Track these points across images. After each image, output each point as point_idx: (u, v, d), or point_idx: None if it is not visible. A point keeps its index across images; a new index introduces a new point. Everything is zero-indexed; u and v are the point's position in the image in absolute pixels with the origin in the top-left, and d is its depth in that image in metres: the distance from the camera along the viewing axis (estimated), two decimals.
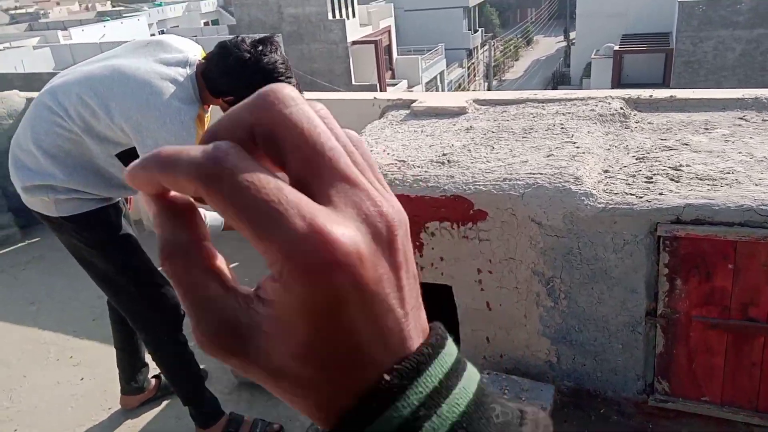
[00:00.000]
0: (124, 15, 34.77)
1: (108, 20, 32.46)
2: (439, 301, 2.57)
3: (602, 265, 2.09)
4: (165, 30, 34.81)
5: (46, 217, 1.96)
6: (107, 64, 1.84)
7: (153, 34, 33.03)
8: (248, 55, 1.79)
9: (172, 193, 0.28)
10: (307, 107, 0.27)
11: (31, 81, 18.25)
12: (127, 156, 1.86)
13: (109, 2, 51.70)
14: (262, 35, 1.91)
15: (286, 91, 0.27)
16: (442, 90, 32.95)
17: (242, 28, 26.96)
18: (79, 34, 28.80)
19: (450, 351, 0.28)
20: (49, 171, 1.84)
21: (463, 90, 35.72)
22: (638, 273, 2.05)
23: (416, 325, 0.27)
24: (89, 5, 51.01)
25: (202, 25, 37.42)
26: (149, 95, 1.74)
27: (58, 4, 52.84)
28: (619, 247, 2.04)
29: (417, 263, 2.36)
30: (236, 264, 3.73)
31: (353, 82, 26.71)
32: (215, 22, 39.19)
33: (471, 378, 0.27)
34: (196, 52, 1.92)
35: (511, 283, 2.28)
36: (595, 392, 2.30)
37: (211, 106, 1.94)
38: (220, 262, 0.28)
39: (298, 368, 0.25)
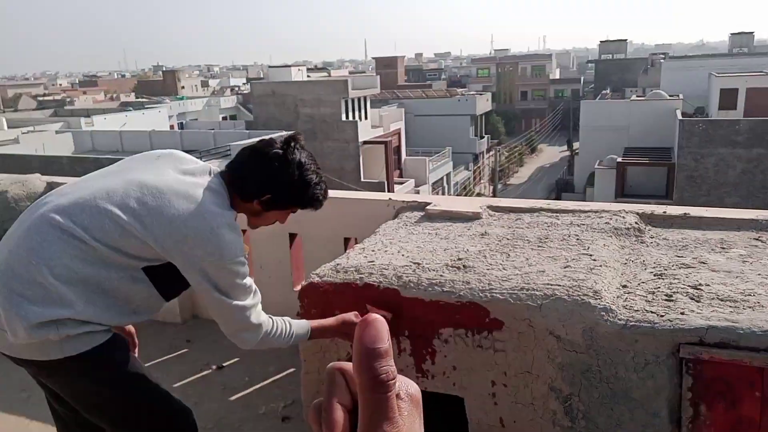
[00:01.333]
0: (146, 106, 36.35)
1: (130, 110, 33.91)
2: (449, 413, 2.46)
3: (623, 385, 2.01)
4: (184, 123, 36.27)
5: (34, 363, 1.66)
6: (127, 178, 1.71)
7: (172, 126, 34.37)
8: (282, 152, 1.81)
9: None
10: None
11: (49, 163, 18.81)
12: (156, 271, 1.74)
13: (133, 94, 54.29)
14: (285, 132, 1.97)
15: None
16: (448, 190, 33.67)
17: (259, 125, 28.08)
18: (101, 122, 29.97)
19: None
20: (66, 301, 1.58)
21: (468, 191, 36.46)
22: (660, 396, 1.96)
23: None
24: (114, 96, 53.56)
25: (221, 119, 39.01)
26: (189, 205, 1.66)
27: (84, 93, 55.53)
28: (640, 367, 1.97)
29: (428, 371, 2.28)
30: (237, 359, 3.63)
31: (362, 179, 27.39)
32: (233, 117, 40.89)
33: None
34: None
35: (527, 398, 2.18)
36: None
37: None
38: None
39: None
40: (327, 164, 27.65)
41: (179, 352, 3.65)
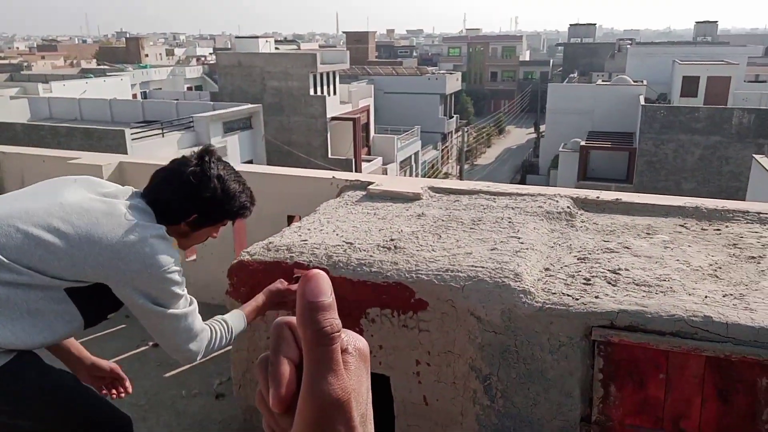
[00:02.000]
0: (108, 74, 35.20)
1: (91, 77, 32.78)
2: (375, 392, 2.49)
3: (538, 366, 2.06)
4: (147, 92, 35.28)
5: None
6: (47, 199, 1.64)
7: (135, 95, 33.42)
8: (199, 169, 1.75)
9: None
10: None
11: (2, 130, 18.10)
12: (80, 293, 1.65)
13: (94, 61, 52.49)
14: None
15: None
16: (416, 169, 33.71)
17: (224, 96, 27.51)
18: (59, 89, 28.91)
19: None
20: None
21: (436, 171, 36.61)
22: (573, 376, 2.02)
23: None
24: (74, 62, 51.67)
25: (185, 89, 38.07)
26: (116, 222, 1.61)
27: (43, 58, 53.42)
28: (554, 348, 2.02)
29: None
30: None
31: (329, 155, 27.18)
32: (199, 88, 39.95)
33: None
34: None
35: (449, 377, 2.22)
36: None
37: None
38: None
39: None
40: (294, 139, 27.34)
41: (117, 328, 3.59)
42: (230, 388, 3.02)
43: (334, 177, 3.51)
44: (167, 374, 3.15)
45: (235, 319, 2.00)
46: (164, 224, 1.73)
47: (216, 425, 2.78)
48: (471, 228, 2.63)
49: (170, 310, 1.70)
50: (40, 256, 1.56)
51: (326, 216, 2.93)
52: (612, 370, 1.96)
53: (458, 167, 36.17)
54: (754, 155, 12.39)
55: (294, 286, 2.15)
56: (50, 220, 1.59)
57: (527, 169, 34.75)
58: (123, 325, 3.64)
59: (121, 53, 56.11)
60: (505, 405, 2.14)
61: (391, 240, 2.52)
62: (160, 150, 17.79)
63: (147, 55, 54.62)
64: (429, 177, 30.77)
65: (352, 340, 0.51)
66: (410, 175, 31.95)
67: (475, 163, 42.44)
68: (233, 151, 21.10)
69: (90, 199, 1.66)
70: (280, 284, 2.17)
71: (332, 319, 0.48)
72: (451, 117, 39.73)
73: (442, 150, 38.98)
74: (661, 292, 2.02)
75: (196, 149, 1.84)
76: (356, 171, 24.87)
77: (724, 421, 1.85)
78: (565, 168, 25.72)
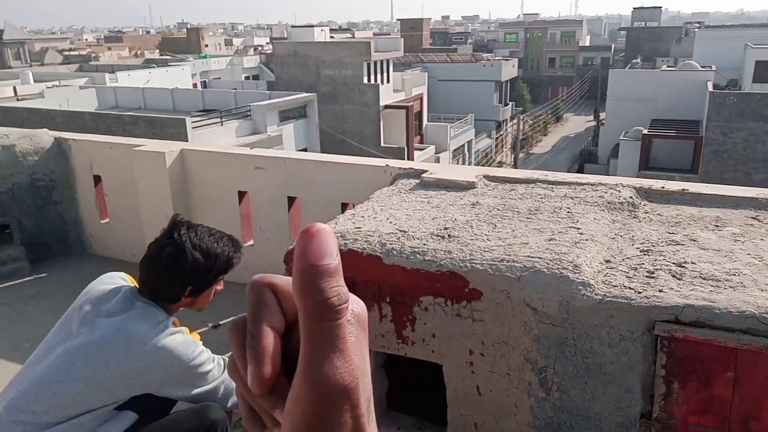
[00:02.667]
0: (170, 63, 36.35)
1: (154, 67, 33.93)
2: (429, 379, 2.48)
3: (597, 360, 2.00)
4: (207, 81, 36.22)
5: None
6: (57, 352, 1.77)
7: (195, 84, 34.37)
8: (173, 248, 1.83)
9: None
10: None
11: (72, 119, 19.01)
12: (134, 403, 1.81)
13: (157, 51, 54.28)
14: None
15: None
16: (470, 158, 33.34)
17: (280, 86, 27.94)
18: (125, 78, 30.08)
19: None
20: None
21: (490, 159, 36.08)
22: (634, 372, 1.95)
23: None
24: (138, 52, 53.60)
25: (243, 78, 38.88)
26: (127, 342, 1.74)
27: (109, 49, 55.65)
28: (615, 343, 1.95)
29: (408, 337, 2.30)
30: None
31: (382, 144, 27.22)
32: (256, 77, 40.72)
33: None
34: (123, 280, 1.94)
35: (503, 368, 2.19)
36: None
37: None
38: None
39: None
40: (347, 127, 27.53)
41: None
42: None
43: (387, 165, 3.51)
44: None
45: None
46: (169, 304, 1.87)
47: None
48: (527, 218, 2.58)
49: (208, 387, 1.87)
50: (78, 400, 1.72)
51: (380, 204, 2.93)
52: (675, 367, 1.88)
53: (513, 156, 35.54)
54: None
55: None
56: (72, 369, 1.73)
57: (586, 158, 33.77)
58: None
59: (182, 43, 57.80)
60: (561, 398, 2.10)
61: (445, 228, 2.49)
62: (219, 138, 18.29)
63: (207, 45, 56.07)
64: (482, 166, 30.41)
65: (351, 306, 0.40)
66: (463, 163, 31.64)
67: (530, 151, 41.58)
68: (288, 139, 21.44)
69: (93, 332, 1.76)
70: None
71: (339, 287, 0.38)
72: (506, 104, 39.01)
73: (497, 138, 38.36)
74: (731, 287, 1.92)
75: (172, 222, 1.90)
76: (408, 159, 24.82)
77: None
78: (625, 157, 24.84)
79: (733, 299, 1.82)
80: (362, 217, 2.73)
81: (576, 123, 52.19)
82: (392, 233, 2.47)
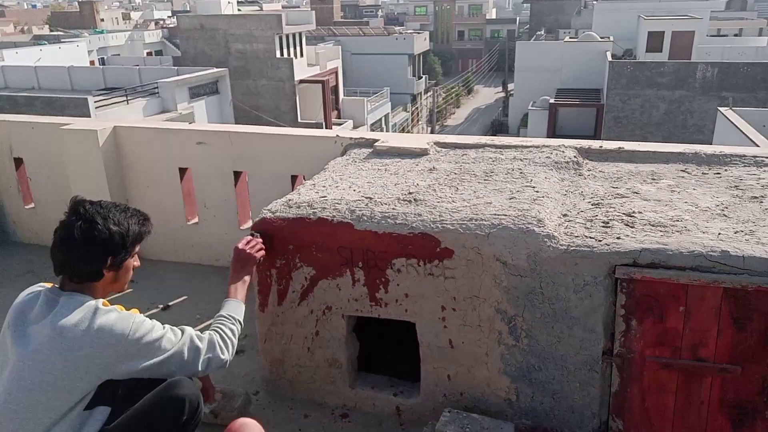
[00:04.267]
0: (62, 40, 33.73)
1: (45, 44, 31.38)
2: (401, 338, 2.58)
3: (563, 305, 2.17)
4: (106, 58, 34.01)
5: None
6: (2, 378, 1.73)
7: (93, 62, 32.18)
8: (81, 222, 1.77)
9: None
10: None
11: None
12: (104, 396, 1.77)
13: (46, 27, 50.13)
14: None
15: None
16: (387, 131, 33.57)
17: (187, 61, 26.71)
18: (12, 57, 27.64)
19: None
20: None
21: (407, 133, 36.51)
22: (596, 313, 2.14)
23: None
24: (25, 28, 49.25)
25: (145, 54, 36.81)
26: (61, 338, 1.70)
27: None
28: (579, 288, 2.13)
29: (381, 299, 2.37)
30: (185, 297, 3.63)
31: (299, 120, 26.82)
32: (159, 53, 38.70)
33: None
34: (41, 286, 1.87)
35: (475, 321, 2.32)
36: (553, 430, 2.35)
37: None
38: None
39: None
40: (262, 103, 26.85)
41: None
42: (249, 344, 3.08)
43: (338, 135, 3.53)
44: None
45: (232, 307, 2.15)
46: (94, 284, 1.81)
47: (240, 379, 2.85)
48: (485, 180, 2.70)
49: (167, 354, 1.81)
50: (38, 410, 1.68)
51: (337, 173, 2.96)
52: (634, 306, 2.08)
53: (429, 129, 36.15)
54: (719, 108, 12.72)
55: (253, 241, 2.35)
56: (16, 389, 1.69)
57: (497, 128, 34.95)
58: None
59: (74, 18, 53.64)
60: (530, 344, 2.26)
61: (410, 193, 2.58)
62: (126, 117, 17.31)
63: (102, 20, 52.40)
64: None
65: None
66: None
67: (444, 124, 42.45)
68: (201, 116, 20.66)
69: (29, 344, 1.71)
70: (243, 245, 2.32)
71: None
72: (420, 78, 39.46)
73: (412, 111, 38.82)
74: (677, 231, 2.14)
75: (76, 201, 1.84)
76: None
77: (739, 347, 2.00)
78: (534, 126, 25.96)
79: (682, 241, 2.03)
80: (323, 186, 2.75)
81: (486, 94, 53.74)
82: (359, 200, 2.52)
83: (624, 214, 2.31)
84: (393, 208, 2.41)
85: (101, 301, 1.79)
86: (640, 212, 2.32)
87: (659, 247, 2.01)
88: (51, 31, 44.76)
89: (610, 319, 2.14)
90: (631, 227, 2.19)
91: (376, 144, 3.29)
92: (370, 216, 2.38)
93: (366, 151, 3.30)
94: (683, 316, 2.03)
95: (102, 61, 33.05)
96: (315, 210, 2.46)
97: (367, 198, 2.54)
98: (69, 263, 1.79)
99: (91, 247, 1.77)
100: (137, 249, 1.93)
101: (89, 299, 1.78)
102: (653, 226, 2.19)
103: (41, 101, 17.98)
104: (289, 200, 2.59)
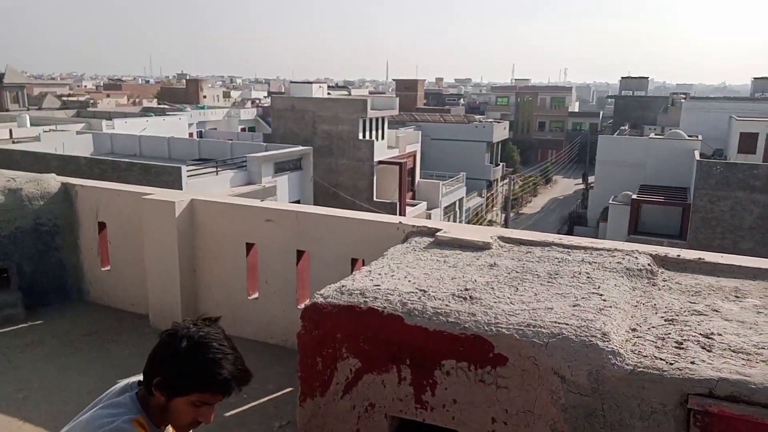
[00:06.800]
0: (167, 112, 36.81)
1: (151, 115, 34.33)
2: None
3: None
4: (203, 131, 36.62)
5: None
6: None
7: (191, 134, 34.72)
8: (174, 331, 1.57)
9: None
10: None
11: (67, 163, 19.01)
12: None
13: (155, 100, 55.03)
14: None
15: None
16: (460, 215, 33.57)
17: (276, 138, 28.28)
18: (122, 125, 30.35)
19: None
20: None
21: (480, 218, 36.35)
22: None
23: None
24: (136, 100, 54.30)
25: (239, 130, 39.37)
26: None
27: (108, 96, 56.34)
28: (646, 415, 1.91)
29: (428, 402, 2.23)
30: None
31: (375, 198, 27.40)
32: (252, 129, 41.24)
33: None
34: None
35: None
36: None
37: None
38: None
39: None
40: (341, 181, 27.75)
41: None
42: (290, 431, 2.97)
43: (400, 222, 3.51)
44: (227, 413, 3.13)
45: None
46: (152, 397, 1.59)
47: None
48: (548, 282, 2.56)
49: None
50: None
51: (395, 261, 2.91)
52: None
53: (503, 215, 35.84)
54: None
55: None
56: None
57: (575, 220, 34.12)
58: None
59: (180, 94, 58.74)
60: None
61: (466, 290, 2.47)
62: (214, 187, 18.33)
63: (205, 96, 56.99)
64: (473, 224, 30.60)
65: None
66: (454, 220, 31.81)
67: (520, 212, 41.98)
68: (282, 190, 21.53)
69: (74, 423, 1.63)
70: None
71: None
72: (497, 165, 39.66)
73: (487, 197, 38.78)
74: (762, 360, 1.90)
75: None
76: (400, 215, 24.91)
77: None
78: (615, 221, 25.12)
79: (767, 374, 1.79)
80: (379, 274, 2.70)
81: (565, 185, 53.04)
82: (412, 292, 2.44)
83: (701, 334, 2.09)
84: (446, 305, 2.31)
85: (133, 417, 1.57)
86: (720, 334, 2.10)
87: (740, 378, 1.78)
88: (159, 104, 49.08)
89: None
90: (709, 351, 1.97)
91: (437, 234, 3.23)
92: (422, 311, 2.28)
93: (427, 240, 3.24)
94: None
95: (200, 134, 35.56)
96: (366, 299, 2.40)
97: (421, 291, 2.46)
98: (145, 367, 1.61)
99: (155, 355, 1.58)
100: (202, 401, 1.57)
101: (128, 408, 1.59)
102: (734, 351, 1.96)
103: (139, 167, 19.38)
104: (342, 286, 2.55)
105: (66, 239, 4.59)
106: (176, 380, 1.54)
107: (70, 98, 49.12)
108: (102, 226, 4.54)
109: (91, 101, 47.26)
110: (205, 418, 1.59)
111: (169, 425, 1.67)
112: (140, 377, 1.65)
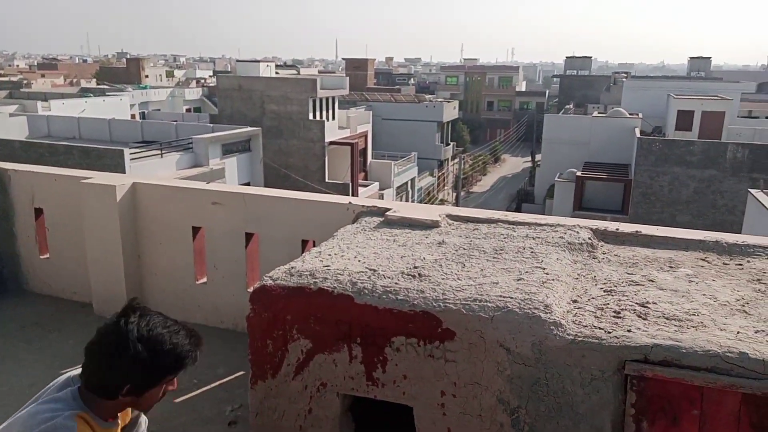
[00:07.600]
0: (107, 93, 35.33)
1: (90, 96, 32.87)
2: (398, 422, 2.44)
3: (569, 399, 2.03)
4: (146, 112, 35.40)
5: None
6: None
7: (134, 115, 33.51)
8: (115, 336, 1.55)
9: None
10: None
11: (1, 147, 18.05)
12: None
13: (94, 80, 52.71)
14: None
15: None
16: (412, 195, 33.80)
17: (223, 119, 27.62)
18: (59, 107, 28.96)
19: None
20: None
21: (432, 197, 36.71)
22: (605, 411, 1.99)
23: None
24: (74, 81, 51.87)
25: (184, 111, 38.23)
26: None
27: (42, 76, 53.60)
28: (586, 382, 1.99)
29: (379, 379, 2.26)
30: None
31: (327, 179, 27.24)
32: (198, 110, 40.12)
33: None
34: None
35: (475, 409, 2.19)
36: None
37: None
38: None
39: None
40: (292, 163, 27.41)
41: None
42: (242, 415, 2.96)
43: (350, 202, 3.51)
44: (178, 399, 3.09)
45: None
46: (106, 401, 1.60)
47: None
48: (494, 257, 2.62)
49: None
50: None
51: (345, 242, 2.92)
52: (644, 405, 1.93)
53: (454, 194, 36.31)
54: (749, 190, 12.51)
55: None
56: None
57: (523, 197, 34.89)
58: None
59: (121, 73, 56.41)
60: None
61: (415, 267, 2.50)
62: (159, 170, 17.80)
63: (147, 76, 54.95)
64: (425, 203, 30.90)
65: None
66: (406, 200, 32.03)
67: (470, 190, 42.60)
68: (231, 172, 21.11)
69: (9, 421, 1.61)
70: None
71: None
72: (447, 144, 40.01)
73: (439, 177, 39.16)
74: (693, 326, 2.01)
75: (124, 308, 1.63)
76: (353, 195, 24.89)
77: None
78: (560, 197, 25.85)
79: (697, 339, 1.90)
80: (329, 255, 2.70)
81: (513, 164, 54.08)
82: (362, 272, 2.45)
83: (637, 303, 2.20)
84: (396, 283, 2.34)
85: (73, 413, 1.55)
86: (655, 303, 2.20)
87: (672, 343, 1.88)
88: (98, 84, 47.00)
89: (619, 419, 1.99)
90: (644, 319, 2.07)
91: (387, 213, 3.25)
92: (372, 290, 2.30)
93: (377, 220, 3.26)
94: (698, 420, 1.87)
95: (142, 116, 34.35)
96: (316, 280, 2.40)
97: (371, 270, 2.48)
98: (86, 371, 1.59)
99: (112, 368, 1.56)
100: (170, 378, 1.65)
101: (67, 404, 1.57)
102: (668, 319, 2.07)
103: (79, 150, 18.60)
104: (292, 267, 2.54)
105: (0, 226, 4.38)
106: (147, 380, 1.60)
107: (1, 78, 46.45)
108: (39, 212, 4.35)
109: (25, 81, 44.82)
110: (173, 387, 1.70)
111: (119, 416, 1.70)
112: (64, 379, 1.66)
